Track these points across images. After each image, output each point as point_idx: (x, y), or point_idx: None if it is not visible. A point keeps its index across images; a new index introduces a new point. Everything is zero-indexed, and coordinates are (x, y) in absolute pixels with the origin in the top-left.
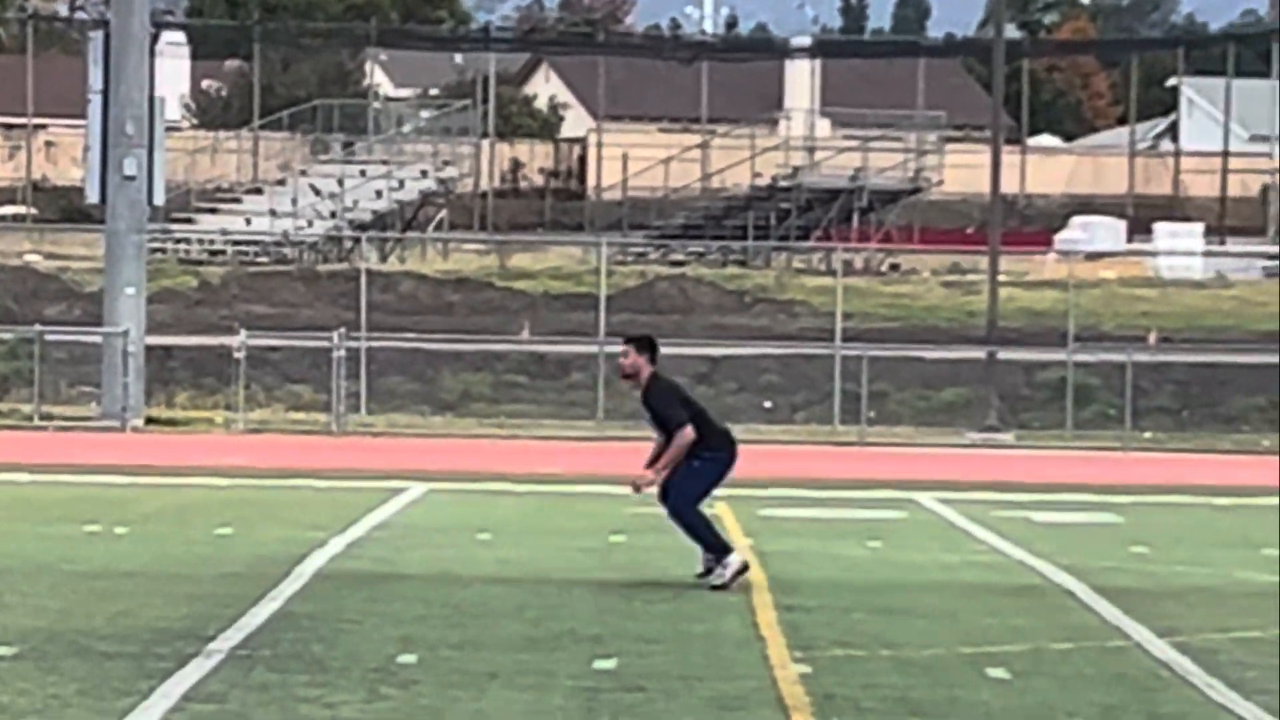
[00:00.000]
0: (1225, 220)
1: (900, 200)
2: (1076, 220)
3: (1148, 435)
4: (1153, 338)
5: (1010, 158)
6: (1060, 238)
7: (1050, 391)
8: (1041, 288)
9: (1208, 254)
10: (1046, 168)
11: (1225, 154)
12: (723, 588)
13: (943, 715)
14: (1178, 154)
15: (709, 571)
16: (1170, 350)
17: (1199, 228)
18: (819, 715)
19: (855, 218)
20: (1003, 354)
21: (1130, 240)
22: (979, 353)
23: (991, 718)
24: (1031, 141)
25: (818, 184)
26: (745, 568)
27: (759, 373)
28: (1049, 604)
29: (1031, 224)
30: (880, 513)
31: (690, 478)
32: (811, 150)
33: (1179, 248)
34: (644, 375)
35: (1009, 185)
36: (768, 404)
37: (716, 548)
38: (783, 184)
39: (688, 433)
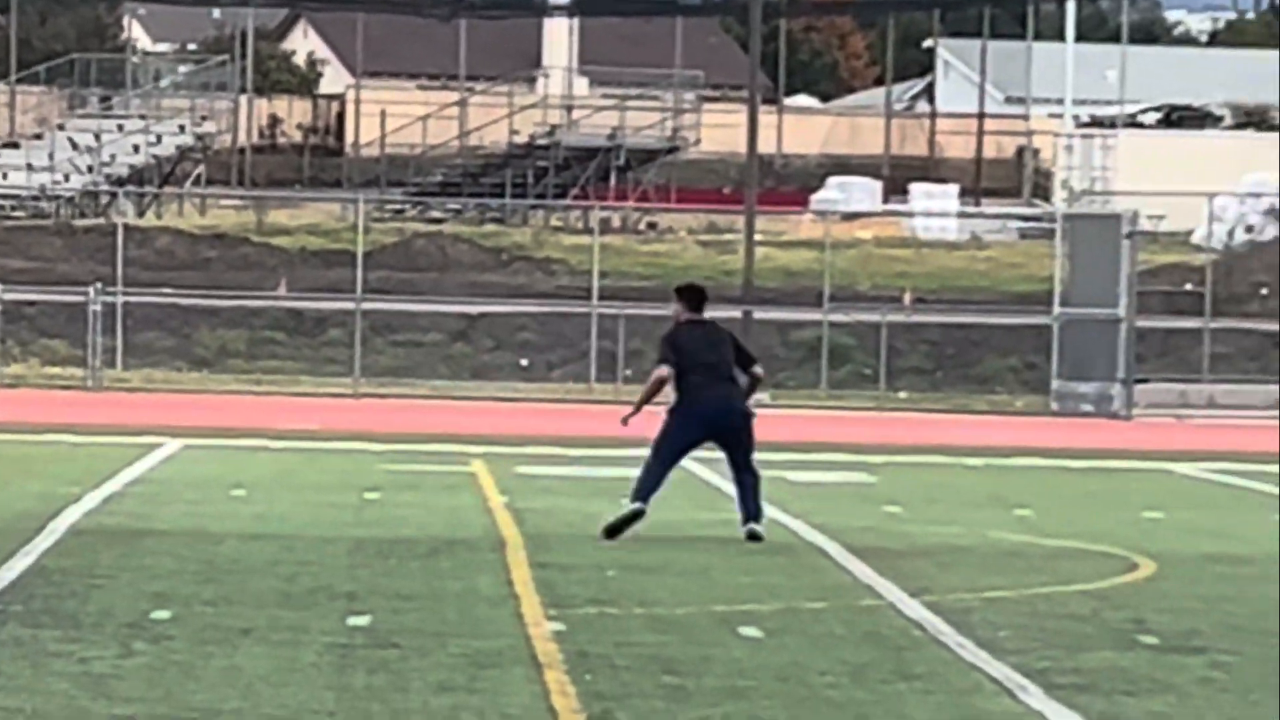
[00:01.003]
0: (980, 182)
1: (657, 159)
2: (833, 180)
3: (902, 395)
4: (907, 298)
5: (767, 118)
6: (816, 198)
7: (805, 351)
8: (797, 247)
9: (963, 215)
10: (803, 128)
11: (981, 116)
12: (610, 529)
13: (696, 673)
14: (934, 115)
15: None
16: (925, 311)
17: (954, 189)
18: (572, 673)
19: (613, 176)
20: (758, 313)
21: (886, 201)
22: (735, 312)
23: (744, 675)
24: (788, 101)
25: (575, 143)
26: (634, 518)
27: (516, 330)
28: (802, 563)
29: (788, 184)
30: (635, 470)
31: (667, 426)
32: (569, 109)
33: (934, 209)
34: (679, 320)
35: (765, 145)
36: (524, 362)
37: (638, 493)
38: (540, 142)
39: (658, 371)
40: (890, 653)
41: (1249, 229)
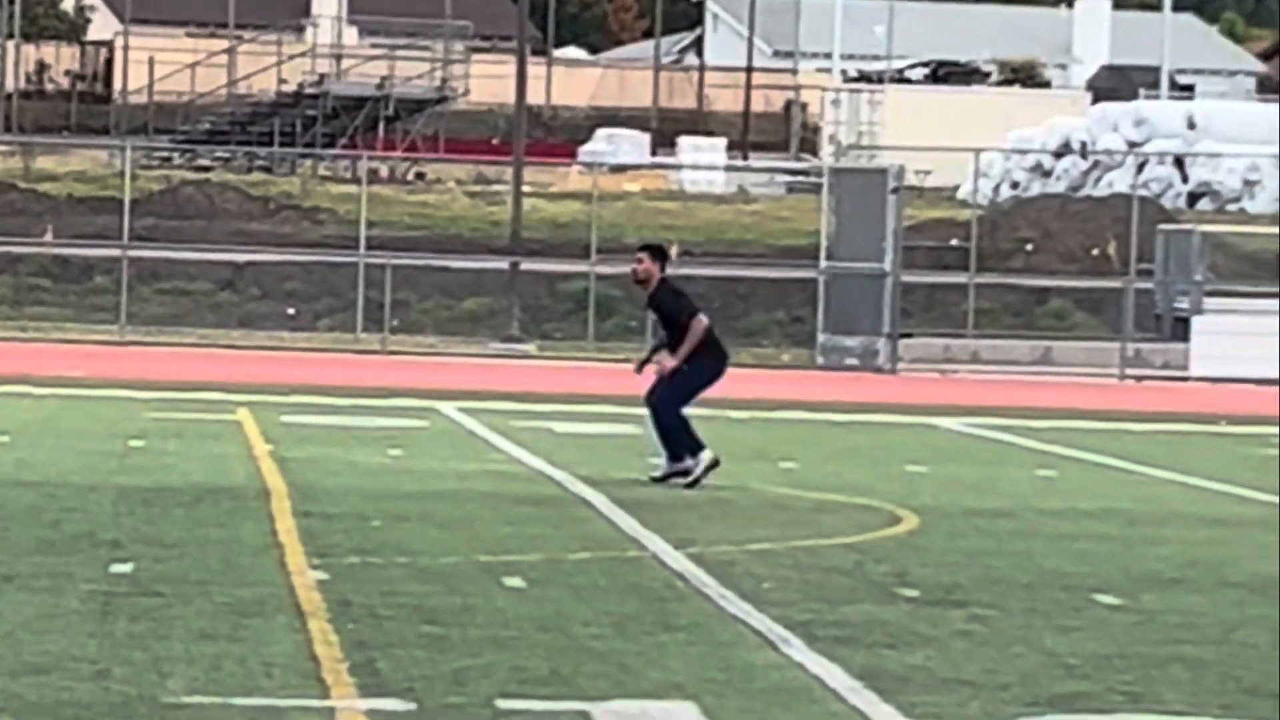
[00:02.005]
0: (748, 136)
1: (426, 109)
2: (601, 133)
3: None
4: (674, 251)
5: (536, 69)
6: (584, 150)
7: (572, 303)
8: (565, 199)
9: (730, 169)
10: (572, 80)
11: (749, 70)
12: (694, 483)
13: (458, 623)
14: (702, 69)
15: (666, 478)
16: (692, 264)
17: (722, 142)
18: (335, 621)
19: (381, 126)
20: (526, 265)
21: (654, 154)
22: (502, 263)
23: (506, 626)
24: (557, 53)
25: (344, 92)
26: (716, 463)
27: (283, 280)
28: (567, 514)
29: (556, 136)
30: (401, 421)
31: (680, 380)
32: (338, 58)
33: (702, 162)
34: (653, 281)
35: (534, 97)
36: (291, 311)
37: (691, 450)
38: (309, 91)
39: (702, 319)
40: (653, 604)
41: (1014, 185)
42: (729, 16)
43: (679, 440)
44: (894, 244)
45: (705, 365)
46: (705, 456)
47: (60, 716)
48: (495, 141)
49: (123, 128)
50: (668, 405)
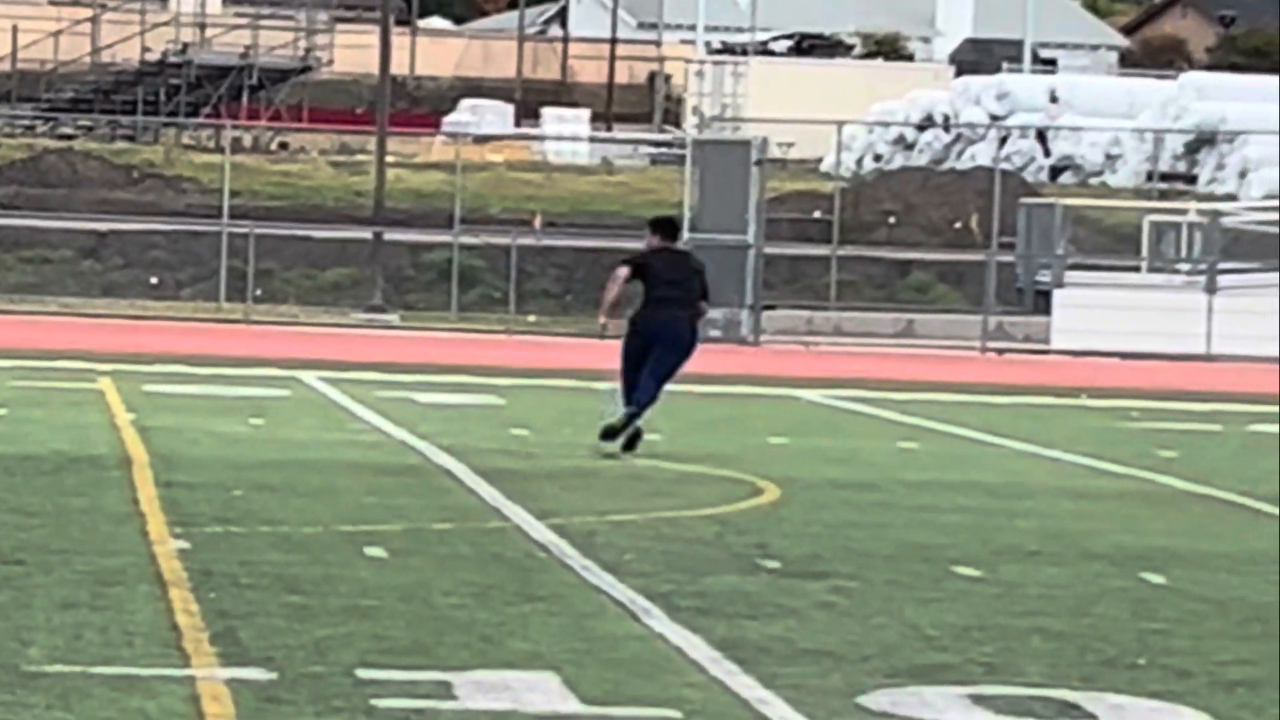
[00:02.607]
0: (612, 107)
1: (290, 79)
2: (465, 103)
3: (531, 318)
4: (537, 222)
5: (400, 39)
6: (448, 120)
7: (436, 273)
8: (429, 170)
9: (594, 140)
10: (436, 50)
11: (613, 41)
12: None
13: (320, 593)
14: (566, 40)
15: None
16: (555, 235)
17: (586, 114)
18: (196, 590)
19: (245, 96)
20: (389, 235)
21: (518, 125)
22: (365, 233)
23: (368, 595)
24: (422, 23)
25: (208, 61)
26: (628, 423)
27: (146, 249)
28: (429, 484)
29: (420, 106)
30: (264, 390)
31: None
32: (202, 27)
33: (566, 133)
34: (649, 248)
35: (398, 67)
36: (154, 280)
37: (626, 399)
38: (173, 60)
39: (617, 271)
40: (516, 574)
41: (877, 158)
42: None
43: (624, 389)
44: (757, 216)
45: (635, 324)
46: (627, 410)
47: None
48: (359, 111)
49: None
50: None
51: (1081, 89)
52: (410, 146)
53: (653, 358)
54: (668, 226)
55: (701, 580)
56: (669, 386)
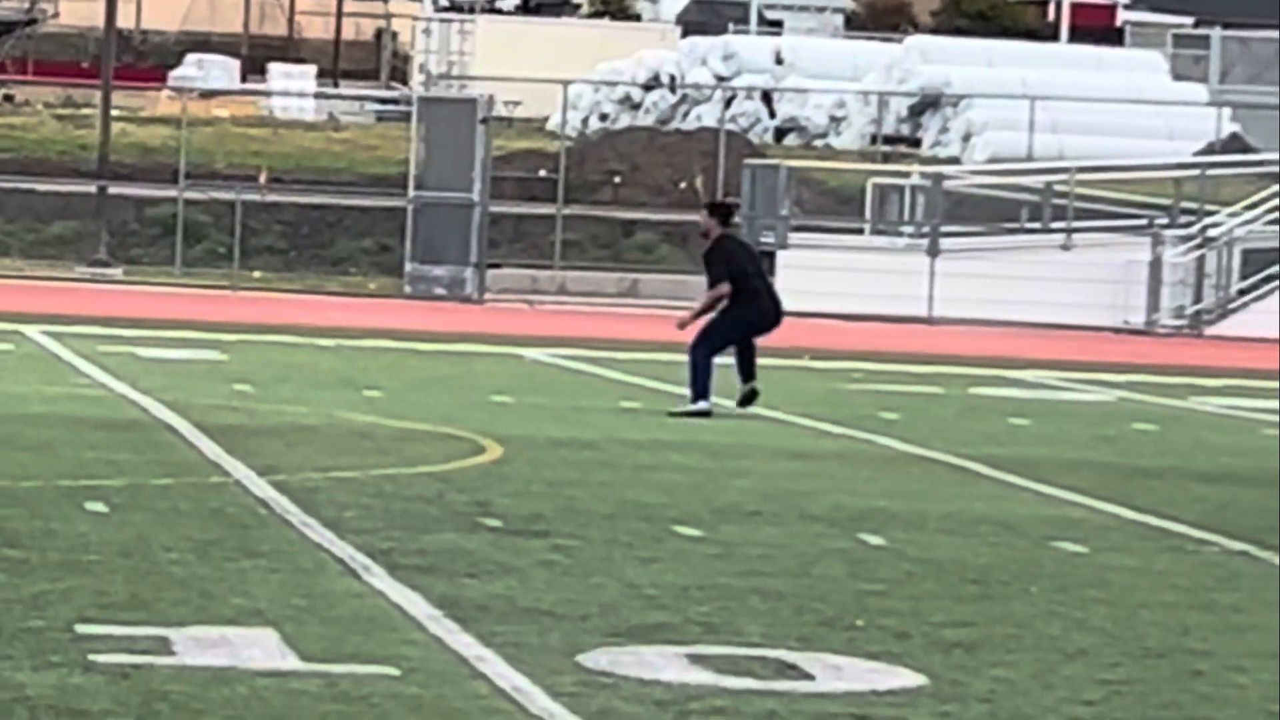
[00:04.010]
0: (339, 63)
1: (15, 31)
2: (191, 58)
3: (256, 274)
4: (263, 178)
5: None
6: (174, 75)
7: (160, 228)
8: (154, 124)
9: (320, 96)
10: (162, 4)
11: None
12: (674, 413)
13: (39, 547)
14: None
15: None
16: (281, 191)
17: (312, 70)
18: None
19: None
20: (114, 189)
21: (244, 80)
22: (90, 187)
23: (88, 550)
24: None
25: None
26: (706, 413)
27: None
28: (151, 439)
29: (146, 60)
30: None
31: (715, 327)
32: None
33: (292, 89)
34: (712, 235)
35: (124, 20)
36: None
37: (699, 393)
38: None
39: (720, 288)
40: (236, 530)
41: (603, 117)
42: None
43: (695, 379)
44: (482, 174)
45: (740, 318)
46: (700, 405)
47: None
48: (84, 65)
49: None
50: (699, 344)
51: (807, 51)
52: (136, 100)
53: (748, 340)
54: (728, 212)
55: (422, 538)
56: (390, 343)
